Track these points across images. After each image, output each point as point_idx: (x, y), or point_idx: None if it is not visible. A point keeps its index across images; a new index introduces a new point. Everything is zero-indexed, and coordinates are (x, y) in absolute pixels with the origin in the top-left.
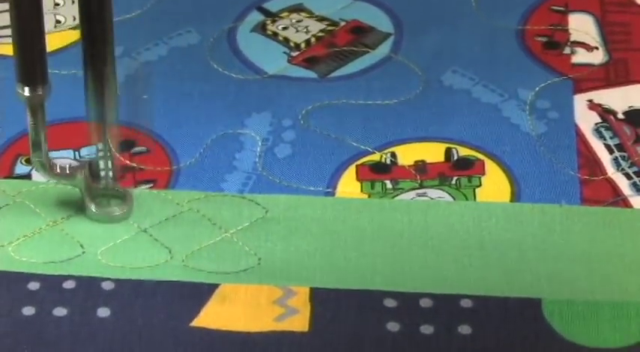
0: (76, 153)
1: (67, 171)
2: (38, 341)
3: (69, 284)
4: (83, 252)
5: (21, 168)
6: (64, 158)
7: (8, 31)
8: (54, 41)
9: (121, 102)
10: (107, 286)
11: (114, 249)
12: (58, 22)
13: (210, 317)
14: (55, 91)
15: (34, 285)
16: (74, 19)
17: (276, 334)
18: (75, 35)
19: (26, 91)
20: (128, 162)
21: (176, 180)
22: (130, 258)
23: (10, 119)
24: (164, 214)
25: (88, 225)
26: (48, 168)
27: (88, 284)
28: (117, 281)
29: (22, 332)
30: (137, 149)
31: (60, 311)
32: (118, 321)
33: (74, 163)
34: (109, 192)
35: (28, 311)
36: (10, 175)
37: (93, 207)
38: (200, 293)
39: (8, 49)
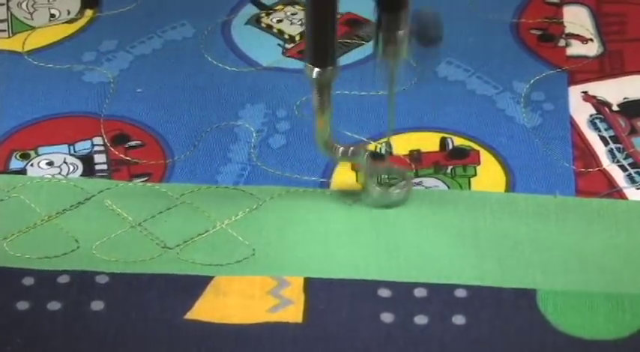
0: (71, 147)
1: (350, 153)
2: (32, 335)
3: (63, 279)
4: (78, 247)
5: (16, 164)
6: (58, 153)
7: (3, 26)
8: (48, 35)
9: None
10: (101, 280)
11: (108, 243)
12: (52, 16)
13: (204, 309)
14: (50, 86)
15: (28, 280)
16: (68, 12)
17: (270, 325)
18: (69, 29)
19: (315, 72)
20: (123, 156)
21: (171, 173)
22: (125, 252)
23: (5, 114)
24: (158, 207)
25: (83, 220)
26: (331, 147)
27: (83, 279)
28: (111, 274)
29: (15, 326)
30: (132, 143)
31: (54, 305)
32: (112, 314)
33: (356, 145)
34: (389, 173)
35: (22, 306)
36: (5, 170)
37: (376, 190)
38: (194, 285)
39: (2, 44)
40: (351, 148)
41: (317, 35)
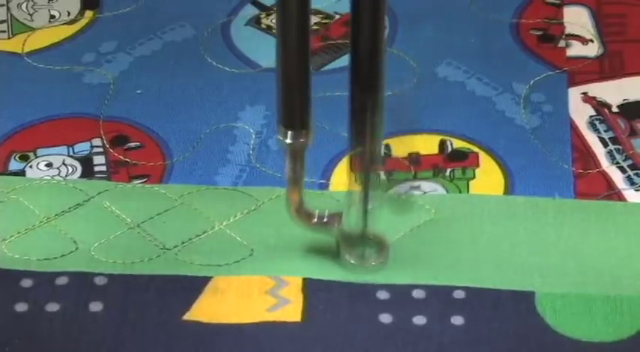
0: (70, 149)
1: (325, 220)
2: (30, 336)
3: (62, 280)
4: (77, 248)
5: (15, 165)
6: (57, 154)
7: (3, 27)
8: (48, 36)
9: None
10: (100, 281)
11: (107, 244)
12: (52, 17)
13: (203, 310)
14: (49, 87)
15: (27, 282)
16: (68, 14)
17: (268, 324)
18: (69, 30)
19: (288, 136)
20: (122, 157)
21: (170, 174)
22: (124, 253)
23: (4, 115)
24: (157, 209)
25: (82, 221)
26: (303, 216)
27: (81, 280)
28: (110, 276)
29: (14, 327)
30: (131, 144)
31: (52, 307)
32: (110, 316)
33: (331, 212)
34: (364, 240)
35: (21, 307)
36: (4, 172)
37: (349, 257)
38: (193, 286)
39: (2, 45)
40: (326, 215)
41: (288, 95)
